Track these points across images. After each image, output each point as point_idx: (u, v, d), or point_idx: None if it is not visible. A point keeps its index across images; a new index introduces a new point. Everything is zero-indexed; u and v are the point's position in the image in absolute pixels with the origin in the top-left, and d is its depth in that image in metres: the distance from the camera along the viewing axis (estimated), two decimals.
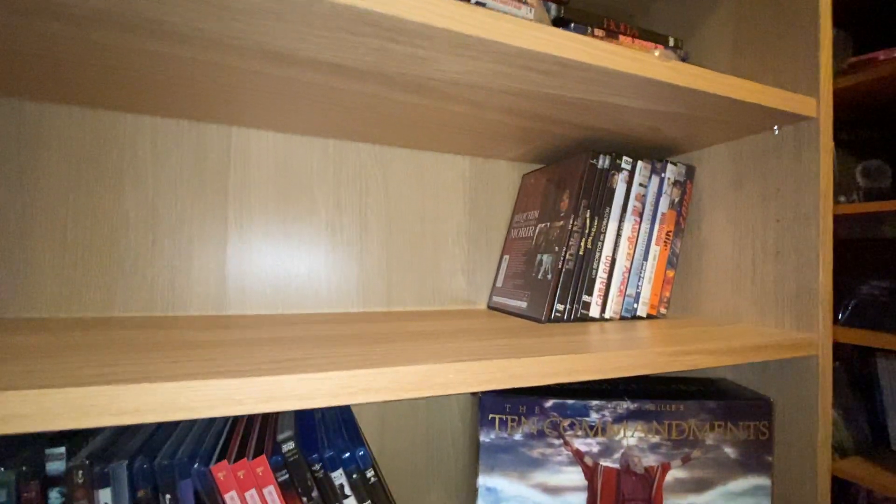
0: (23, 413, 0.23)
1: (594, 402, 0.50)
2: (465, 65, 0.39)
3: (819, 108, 0.51)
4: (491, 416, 0.50)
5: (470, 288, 0.71)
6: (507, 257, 0.70)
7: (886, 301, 1.00)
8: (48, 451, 0.35)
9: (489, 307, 0.71)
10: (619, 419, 0.50)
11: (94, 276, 0.53)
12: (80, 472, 0.35)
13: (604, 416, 0.50)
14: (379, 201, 0.66)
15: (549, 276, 0.57)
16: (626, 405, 0.50)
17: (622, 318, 0.61)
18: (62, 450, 0.35)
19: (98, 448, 0.38)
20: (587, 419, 0.50)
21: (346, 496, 0.42)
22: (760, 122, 0.54)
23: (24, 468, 0.33)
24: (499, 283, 0.70)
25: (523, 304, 0.61)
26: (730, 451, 0.50)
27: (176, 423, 0.47)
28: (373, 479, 0.43)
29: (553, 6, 0.55)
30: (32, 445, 0.35)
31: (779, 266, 0.55)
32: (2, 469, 0.33)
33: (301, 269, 0.61)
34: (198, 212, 0.57)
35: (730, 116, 0.52)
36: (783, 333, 0.51)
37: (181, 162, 0.56)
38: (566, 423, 0.50)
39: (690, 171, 0.65)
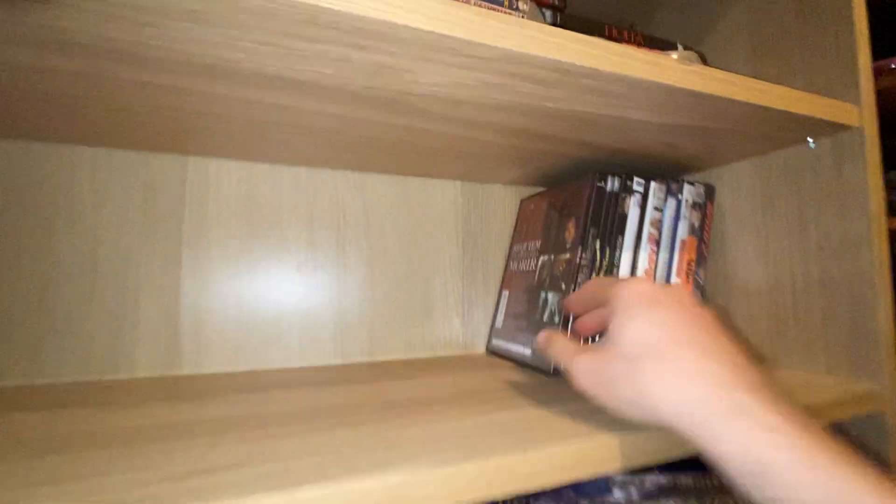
0: None
1: (618, 478, 0.41)
2: (446, 74, 0.32)
3: (862, 115, 0.44)
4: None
5: (466, 330, 0.63)
6: (506, 293, 0.62)
7: None
8: None
9: (488, 351, 0.63)
10: (649, 497, 0.41)
11: (18, 335, 0.45)
12: None
13: (629, 493, 0.41)
14: (359, 235, 0.58)
15: (557, 319, 0.49)
16: (655, 478, 0.41)
17: None
18: None
19: None
20: (608, 499, 0.41)
21: None
22: (792, 135, 0.46)
23: None
24: (498, 324, 0.62)
25: (527, 352, 0.52)
26: None
27: None
28: None
29: (548, 13, 0.49)
30: None
31: (826, 300, 0.46)
32: None
33: (268, 317, 0.53)
34: (145, 255, 0.49)
35: (758, 128, 0.45)
36: (840, 385, 0.42)
37: (126, 198, 0.49)
38: (584, 503, 0.41)
39: (710, 191, 0.57)
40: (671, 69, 0.34)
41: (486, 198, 0.66)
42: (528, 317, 0.54)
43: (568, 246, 0.52)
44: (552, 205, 0.58)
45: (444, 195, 0.63)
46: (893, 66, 0.95)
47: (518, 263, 0.62)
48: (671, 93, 0.36)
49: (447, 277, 0.62)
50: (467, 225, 0.64)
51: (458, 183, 0.64)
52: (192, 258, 0.51)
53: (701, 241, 0.56)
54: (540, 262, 0.56)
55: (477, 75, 0.32)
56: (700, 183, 0.57)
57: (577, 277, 0.49)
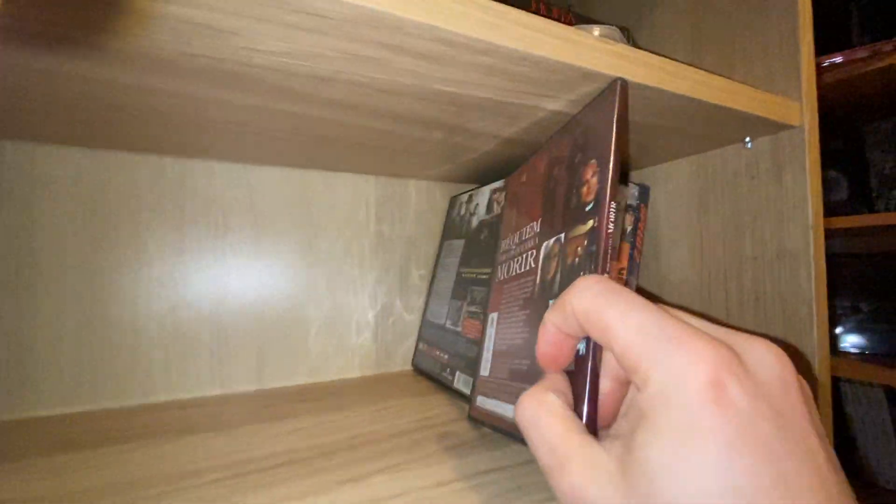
0: None
1: None
2: (287, 40, 0.24)
3: (803, 114, 0.39)
4: None
5: (378, 346, 0.55)
6: (493, 317, 0.39)
7: (851, 323, 0.93)
8: None
9: (416, 370, 0.56)
10: None
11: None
12: None
13: None
14: (244, 238, 0.49)
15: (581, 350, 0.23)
16: None
17: None
18: None
19: None
20: None
21: None
22: (730, 133, 0.41)
23: None
24: (483, 371, 0.37)
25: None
26: None
27: None
28: None
29: None
30: None
31: (759, 317, 0.42)
32: None
33: (126, 343, 0.43)
34: None
35: (693, 125, 0.39)
36: None
37: None
38: None
39: (644, 193, 0.52)
40: (588, 48, 0.27)
41: (405, 195, 0.58)
42: (528, 348, 0.31)
43: (588, 208, 0.27)
44: (556, 160, 0.35)
45: (352, 191, 0.55)
46: (840, 61, 0.94)
47: (507, 267, 0.39)
48: (588, 77, 0.29)
49: (358, 288, 0.54)
50: (380, 226, 0.56)
51: (372, 178, 0.56)
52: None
53: (633, 247, 0.51)
54: (543, 254, 0.33)
55: (332, 43, 0.24)
56: (634, 184, 0.52)
57: (605, 256, 0.25)
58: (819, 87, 0.93)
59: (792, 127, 0.40)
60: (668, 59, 0.31)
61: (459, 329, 0.46)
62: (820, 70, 0.89)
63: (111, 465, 0.28)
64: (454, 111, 0.34)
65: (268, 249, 0.49)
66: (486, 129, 0.39)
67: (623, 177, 0.55)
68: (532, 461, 0.29)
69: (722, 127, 0.40)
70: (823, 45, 0.91)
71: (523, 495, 0.25)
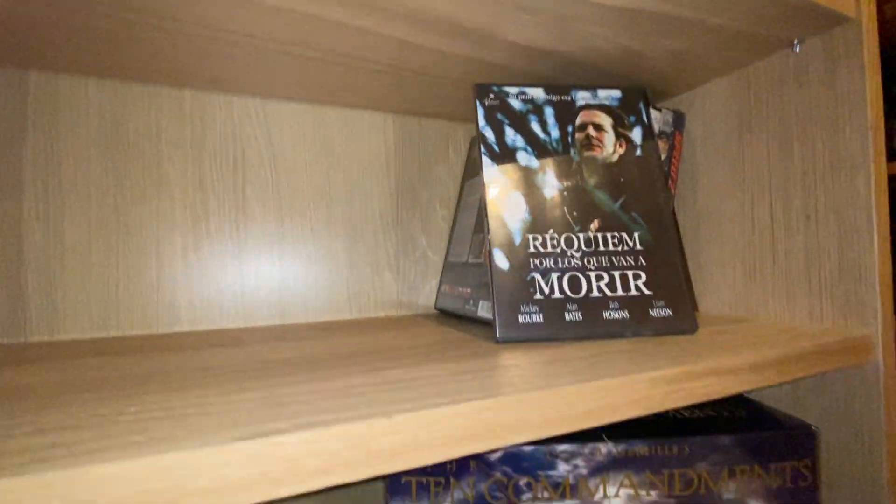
0: None
1: (561, 448, 0.34)
2: None
3: (860, 4, 0.36)
4: (405, 479, 0.33)
5: (400, 287, 0.54)
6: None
7: None
8: None
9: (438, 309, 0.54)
10: (599, 470, 0.34)
11: None
12: None
13: (576, 467, 0.34)
14: (263, 177, 0.48)
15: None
16: (606, 449, 0.34)
17: None
18: None
19: None
20: (551, 474, 0.33)
21: None
22: (775, 31, 0.38)
23: None
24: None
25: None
26: None
27: None
28: None
29: None
30: None
31: (811, 237, 0.39)
32: None
33: (148, 281, 0.43)
34: None
35: (731, 16, 0.36)
36: (826, 332, 0.35)
37: None
38: (521, 481, 0.33)
39: (679, 119, 0.49)
40: None
41: (424, 134, 0.56)
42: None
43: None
44: None
45: (370, 128, 0.53)
46: None
47: None
48: None
49: (379, 229, 0.53)
50: (401, 166, 0.55)
51: (391, 116, 0.54)
52: (36, 200, 0.40)
53: (667, 175, 0.48)
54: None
55: None
56: (668, 109, 0.48)
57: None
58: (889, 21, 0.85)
59: (847, 19, 0.36)
60: None
61: (482, 260, 0.44)
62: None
63: (145, 363, 0.28)
64: (476, 7, 0.32)
65: (286, 188, 0.49)
66: (519, 37, 0.37)
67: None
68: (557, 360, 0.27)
69: (771, 22, 0.36)
70: None
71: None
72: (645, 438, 0.34)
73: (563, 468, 0.34)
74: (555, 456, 0.34)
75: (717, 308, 0.47)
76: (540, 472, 0.34)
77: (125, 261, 0.42)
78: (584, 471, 0.34)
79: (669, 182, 0.48)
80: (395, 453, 0.18)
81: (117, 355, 0.32)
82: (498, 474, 0.33)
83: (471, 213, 0.51)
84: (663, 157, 0.48)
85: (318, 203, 0.50)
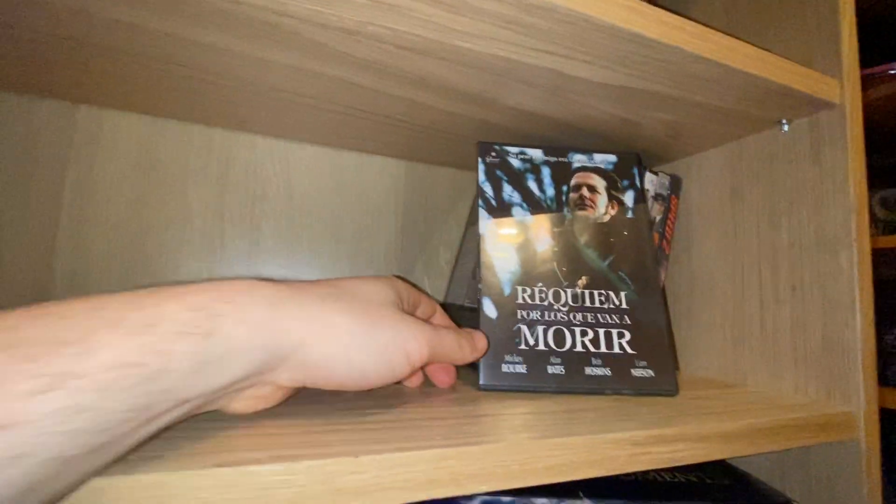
0: None
1: (539, 501, 0.34)
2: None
3: (843, 91, 0.38)
4: None
5: None
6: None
7: None
8: None
9: None
10: None
11: None
12: None
13: None
14: (279, 212, 0.51)
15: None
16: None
17: None
18: None
19: None
20: None
21: None
22: (764, 111, 0.40)
23: None
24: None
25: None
26: None
27: None
28: None
29: None
30: None
31: (797, 308, 0.40)
32: None
33: None
34: None
35: (720, 97, 0.38)
36: (806, 406, 0.36)
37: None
38: None
39: (676, 183, 0.51)
40: (618, 5, 0.28)
41: (434, 180, 0.59)
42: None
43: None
44: None
45: (382, 174, 0.57)
46: (891, 73, 0.89)
47: None
48: (602, 31, 0.29)
49: (380, 268, 0.56)
50: (409, 210, 0.58)
51: (403, 162, 0.58)
52: (69, 224, 0.44)
53: (662, 237, 0.50)
54: None
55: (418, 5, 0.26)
56: (665, 174, 0.51)
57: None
58: (879, 100, 0.88)
59: (831, 105, 0.38)
60: (689, 20, 0.31)
61: (476, 305, 0.46)
62: (881, 80, 0.85)
63: None
64: (466, 74, 0.36)
65: (299, 224, 0.52)
66: (501, 97, 0.40)
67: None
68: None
69: (756, 104, 0.39)
70: (881, 54, 0.87)
71: None
72: (622, 498, 0.34)
73: None
74: None
75: (705, 371, 0.47)
76: None
77: (143, 283, 0.45)
78: None
79: (664, 243, 0.50)
80: (359, 492, 0.19)
81: None
82: None
83: (471, 259, 0.53)
84: (659, 218, 0.50)
85: (328, 240, 0.53)
